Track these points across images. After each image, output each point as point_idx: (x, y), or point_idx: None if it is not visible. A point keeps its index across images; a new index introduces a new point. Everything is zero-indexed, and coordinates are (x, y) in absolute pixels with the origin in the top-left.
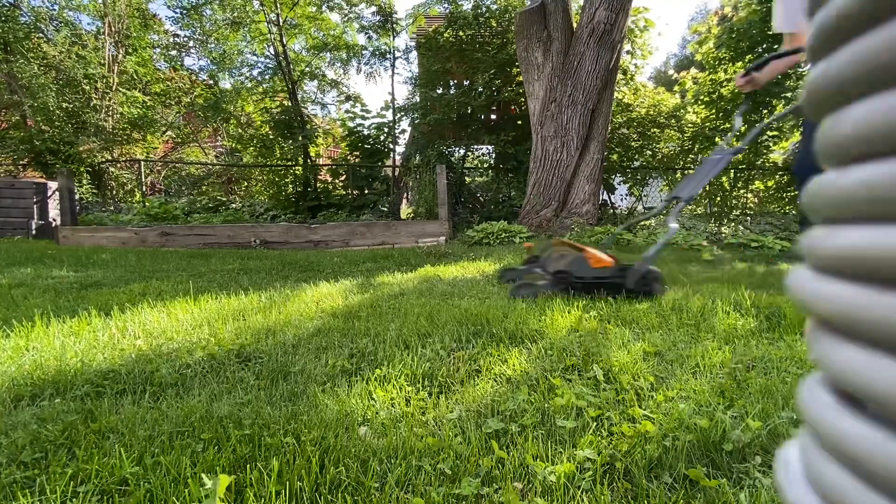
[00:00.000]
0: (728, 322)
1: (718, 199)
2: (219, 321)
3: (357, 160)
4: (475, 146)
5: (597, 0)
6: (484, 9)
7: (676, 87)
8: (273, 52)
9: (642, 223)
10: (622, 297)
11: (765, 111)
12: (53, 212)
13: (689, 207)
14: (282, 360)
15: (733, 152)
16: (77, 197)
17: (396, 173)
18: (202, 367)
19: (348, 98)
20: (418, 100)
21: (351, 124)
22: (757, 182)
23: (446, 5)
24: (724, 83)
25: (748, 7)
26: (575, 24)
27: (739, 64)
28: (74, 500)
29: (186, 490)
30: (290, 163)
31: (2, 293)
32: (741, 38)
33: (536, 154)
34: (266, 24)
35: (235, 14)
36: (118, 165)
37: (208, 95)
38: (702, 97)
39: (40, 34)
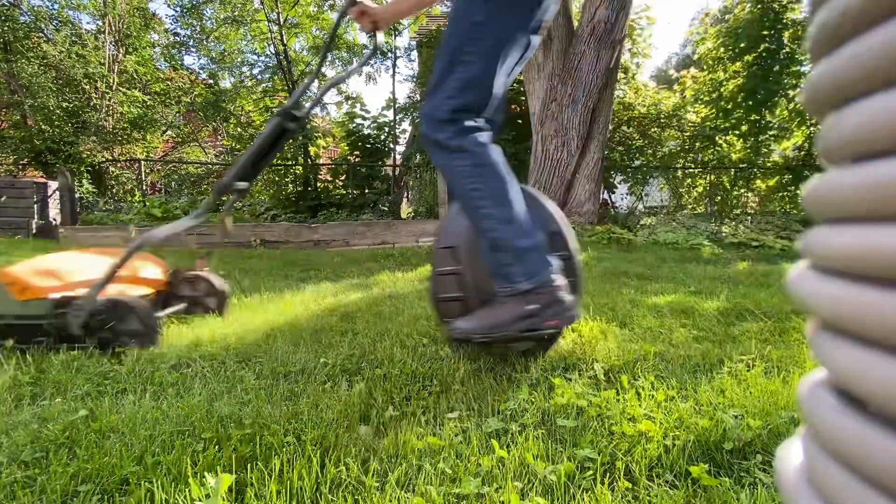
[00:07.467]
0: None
1: (719, 198)
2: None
3: (357, 160)
4: None
5: None
6: None
7: (676, 87)
8: (273, 51)
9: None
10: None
11: (765, 110)
12: (54, 211)
13: (690, 207)
14: (282, 360)
15: None
16: (77, 196)
17: (397, 173)
18: (202, 366)
19: (348, 98)
20: (419, 98)
21: (351, 125)
22: (758, 181)
23: (448, 4)
24: (724, 82)
25: (743, 7)
26: (575, 24)
27: (738, 64)
28: (75, 499)
29: (187, 489)
30: (290, 162)
31: None
32: (740, 37)
33: (536, 153)
34: (266, 22)
35: (236, 13)
36: (118, 165)
37: (208, 94)
38: (702, 97)
39: (40, 34)
